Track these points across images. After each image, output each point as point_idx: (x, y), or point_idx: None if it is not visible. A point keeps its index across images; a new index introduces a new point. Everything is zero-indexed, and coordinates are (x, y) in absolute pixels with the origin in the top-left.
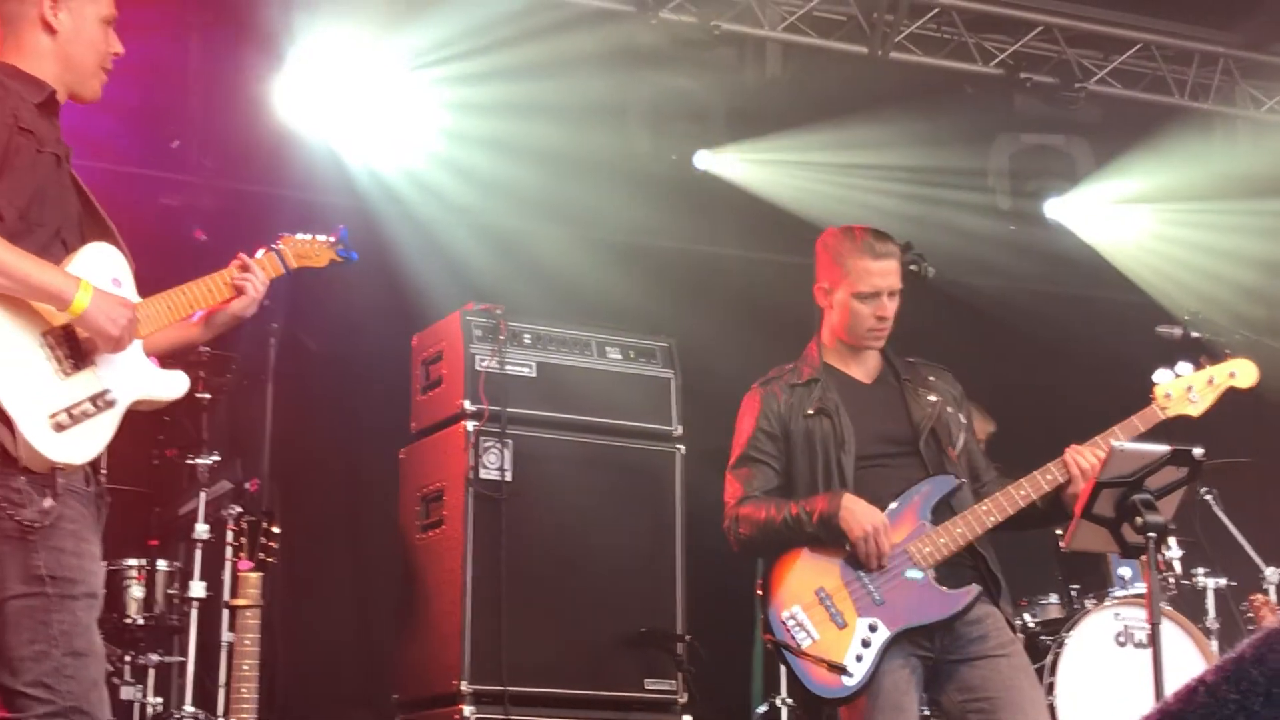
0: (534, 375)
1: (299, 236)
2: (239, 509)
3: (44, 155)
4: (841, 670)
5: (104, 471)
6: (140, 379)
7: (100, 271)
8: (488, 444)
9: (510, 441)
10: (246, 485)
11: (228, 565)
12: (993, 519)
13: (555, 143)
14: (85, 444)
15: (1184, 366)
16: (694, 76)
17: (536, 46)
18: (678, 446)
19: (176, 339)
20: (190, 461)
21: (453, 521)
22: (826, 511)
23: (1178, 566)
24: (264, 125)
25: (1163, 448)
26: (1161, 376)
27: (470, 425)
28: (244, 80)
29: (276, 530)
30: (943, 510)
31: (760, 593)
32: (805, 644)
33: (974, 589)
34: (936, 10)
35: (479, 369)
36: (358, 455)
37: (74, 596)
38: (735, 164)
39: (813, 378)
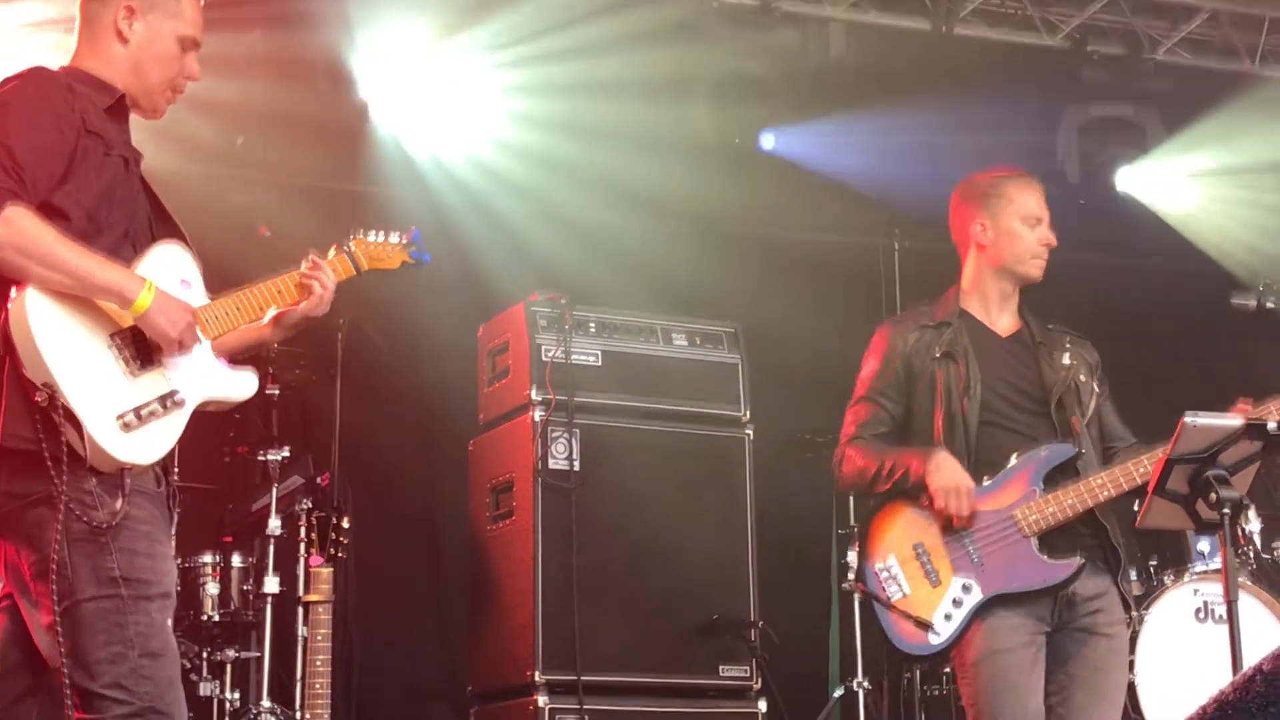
0: (599, 364)
1: (371, 238)
2: (310, 504)
3: (112, 158)
4: (928, 627)
5: (176, 471)
6: (209, 379)
7: (169, 272)
8: (555, 434)
9: (578, 430)
10: (318, 480)
11: (301, 560)
12: (1106, 492)
13: (618, 126)
14: (153, 444)
15: None
16: (757, 57)
17: (597, 28)
18: (746, 431)
19: (248, 339)
20: (261, 458)
21: (522, 512)
22: (917, 466)
23: (1258, 540)
24: (329, 118)
25: (1236, 421)
26: None
27: (537, 415)
28: (308, 73)
29: (347, 525)
30: (1058, 478)
31: (859, 543)
32: (895, 597)
33: (1076, 561)
34: None
35: (545, 359)
36: (427, 448)
37: (149, 597)
38: (800, 144)
39: (945, 321)
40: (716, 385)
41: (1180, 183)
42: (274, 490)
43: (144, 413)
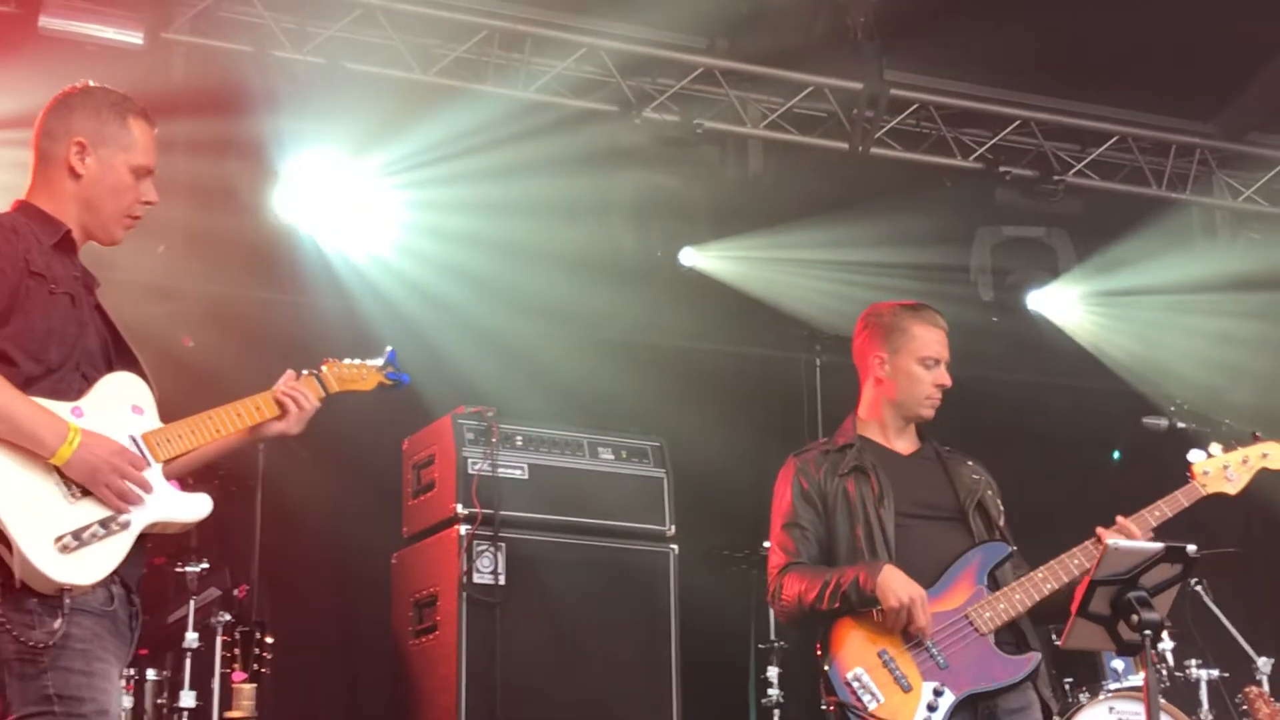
0: (526, 477)
1: (345, 361)
2: (229, 616)
3: (57, 295)
4: None
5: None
6: (158, 502)
7: (118, 401)
8: (481, 547)
9: (503, 544)
10: (235, 592)
11: (217, 675)
12: (1049, 585)
13: (543, 242)
14: (93, 566)
15: (1215, 447)
16: (677, 174)
17: (524, 148)
18: (671, 546)
19: (211, 453)
20: (179, 569)
21: (446, 627)
22: (866, 581)
23: (1170, 658)
24: (252, 231)
25: (1157, 545)
26: (1196, 456)
27: (463, 529)
28: (230, 188)
29: (270, 640)
30: (991, 580)
31: (819, 654)
32: (871, 706)
33: (1035, 655)
34: (915, 106)
35: (471, 472)
36: (348, 561)
37: (83, 715)
38: (720, 260)
39: (848, 444)
40: (642, 500)
41: (1089, 304)
42: (191, 603)
43: (84, 535)
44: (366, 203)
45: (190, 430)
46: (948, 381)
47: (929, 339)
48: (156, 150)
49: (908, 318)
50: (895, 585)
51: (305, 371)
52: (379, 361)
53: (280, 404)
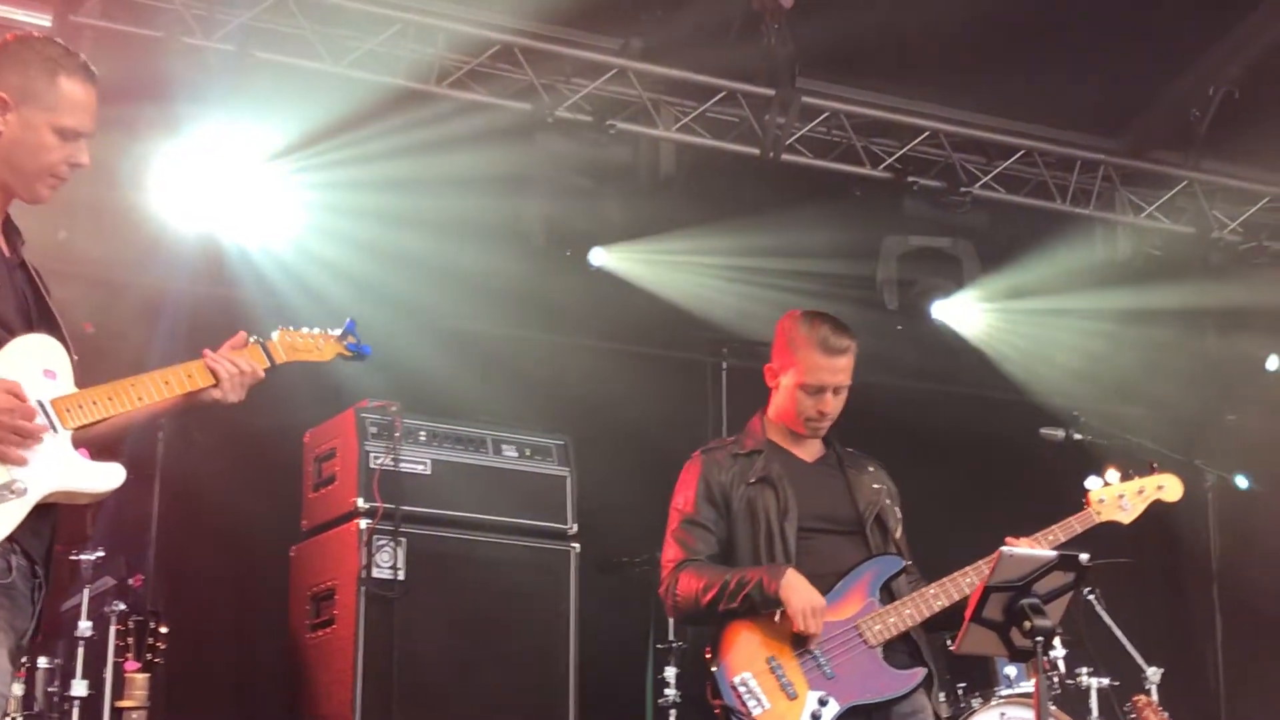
0: (429, 472)
1: (303, 330)
2: (123, 606)
3: None
4: None
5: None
6: (61, 471)
7: (29, 363)
8: (381, 542)
9: (404, 540)
10: (130, 581)
11: (110, 664)
12: (940, 602)
13: (450, 239)
14: None
15: (1113, 475)
16: (589, 174)
17: (434, 143)
18: (573, 545)
19: (135, 419)
20: (73, 557)
21: (344, 621)
22: (769, 583)
23: (1062, 666)
24: (155, 218)
25: (1050, 553)
26: (1093, 484)
27: (363, 523)
28: (135, 175)
29: (165, 630)
30: (885, 593)
31: (709, 656)
32: (756, 712)
33: (920, 671)
34: (827, 114)
35: (373, 466)
36: (247, 552)
37: None
38: (629, 261)
39: (756, 449)
40: (544, 498)
41: (992, 315)
42: (85, 591)
43: None
44: (271, 193)
45: (108, 397)
46: (829, 409)
47: (818, 366)
48: (94, 111)
49: (805, 339)
50: (799, 588)
51: (253, 338)
52: (338, 331)
53: (214, 372)
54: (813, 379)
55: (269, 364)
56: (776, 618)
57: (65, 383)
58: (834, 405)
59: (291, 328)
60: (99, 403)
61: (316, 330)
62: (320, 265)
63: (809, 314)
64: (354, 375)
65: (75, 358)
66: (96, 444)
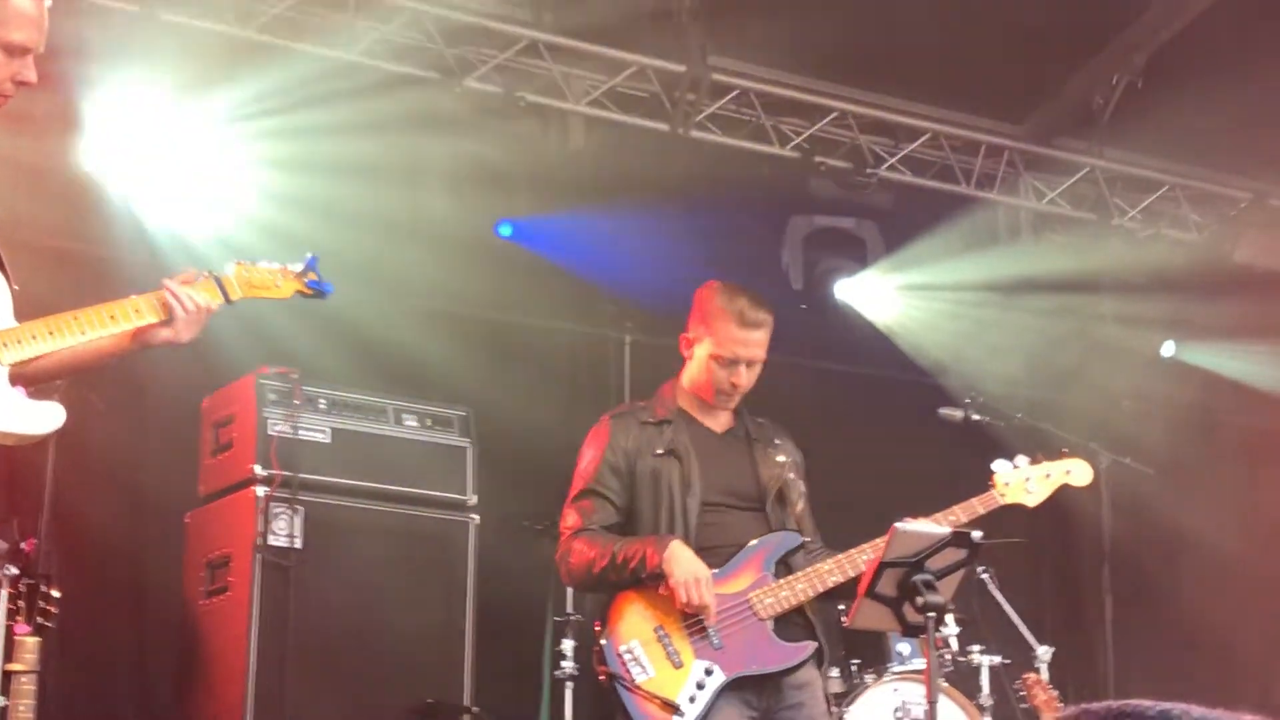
0: (328, 441)
1: (261, 264)
2: (15, 570)
3: None
4: (674, 709)
5: None
6: None
7: None
8: (278, 510)
9: (301, 508)
10: (22, 545)
11: (1, 628)
12: (834, 579)
13: (356, 206)
14: None
15: (1021, 459)
16: (497, 146)
17: (341, 109)
18: (472, 516)
19: (84, 356)
20: None
21: (239, 588)
22: (652, 555)
23: (954, 644)
24: (60, 180)
25: (944, 529)
26: (1000, 466)
27: (260, 490)
28: (37, 128)
29: (56, 594)
30: (782, 567)
31: (598, 628)
32: (640, 679)
33: (810, 645)
34: (736, 92)
35: (272, 433)
36: (142, 517)
37: None
38: (537, 234)
39: (665, 419)
40: (444, 468)
41: (895, 296)
42: None
43: None
44: (175, 157)
45: (49, 330)
46: (741, 382)
47: (733, 338)
48: (43, 26)
49: (721, 310)
50: (682, 561)
51: (205, 273)
52: (299, 267)
53: (165, 306)
54: (727, 351)
55: (224, 300)
56: (661, 589)
57: (5, 314)
58: (747, 378)
59: (248, 261)
60: (39, 337)
61: (275, 265)
62: (219, 230)
63: (728, 286)
64: (252, 341)
65: (16, 288)
66: (35, 383)
